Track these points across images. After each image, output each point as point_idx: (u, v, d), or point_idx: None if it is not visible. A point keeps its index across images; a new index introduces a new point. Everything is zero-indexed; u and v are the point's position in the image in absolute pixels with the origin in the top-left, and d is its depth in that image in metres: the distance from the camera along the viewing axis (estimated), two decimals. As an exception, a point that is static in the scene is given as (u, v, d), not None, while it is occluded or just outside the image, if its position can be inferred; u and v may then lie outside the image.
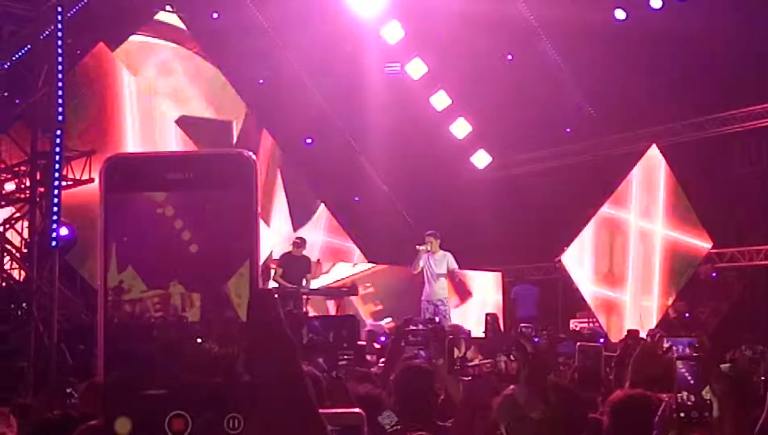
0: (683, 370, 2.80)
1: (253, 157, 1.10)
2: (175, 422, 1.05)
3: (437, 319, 13.53)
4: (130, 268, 1.07)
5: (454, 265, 14.51)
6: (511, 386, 3.81)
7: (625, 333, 7.10)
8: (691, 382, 2.76)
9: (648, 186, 17.41)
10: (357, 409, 1.80)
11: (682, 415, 2.72)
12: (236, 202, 1.08)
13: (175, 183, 1.08)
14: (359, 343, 11.93)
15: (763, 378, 5.74)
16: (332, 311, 14.64)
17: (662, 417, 2.85)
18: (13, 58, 12.20)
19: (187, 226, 1.07)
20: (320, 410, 1.12)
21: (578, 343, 5.18)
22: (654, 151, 17.35)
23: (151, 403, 1.05)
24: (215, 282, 1.07)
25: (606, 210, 16.83)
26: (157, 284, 1.07)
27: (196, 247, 1.07)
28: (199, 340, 1.07)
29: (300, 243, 14.34)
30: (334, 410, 1.87)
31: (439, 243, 14.45)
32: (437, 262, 14.35)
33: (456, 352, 8.35)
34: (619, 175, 17.19)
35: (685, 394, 2.79)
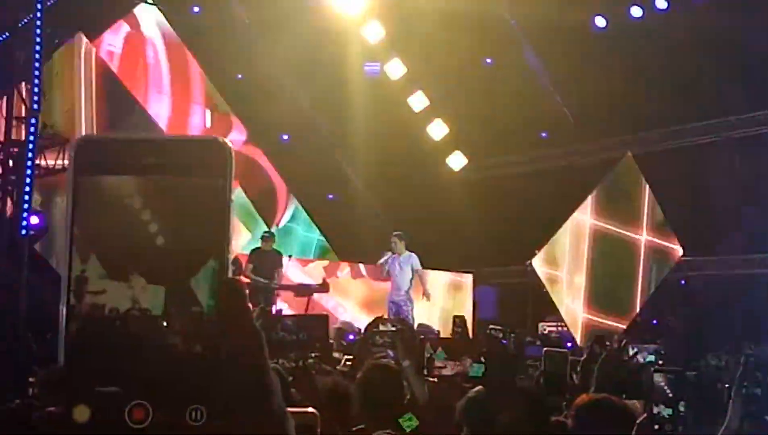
0: (662, 383, 2.77)
1: (230, 144, 1.07)
2: (135, 412, 1.03)
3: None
4: (94, 257, 1.05)
5: (418, 266, 14.64)
6: (477, 387, 3.82)
7: (592, 338, 7.13)
8: (670, 395, 2.73)
9: (622, 193, 17.50)
10: (311, 409, 1.80)
11: (656, 427, 2.71)
12: (209, 191, 1.06)
13: (147, 168, 1.05)
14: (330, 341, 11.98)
15: (727, 386, 5.79)
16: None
17: (639, 428, 2.85)
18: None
19: (156, 217, 1.05)
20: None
21: (544, 348, 5.19)
22: (629, 159, 17.44)
23: (112, 393, 1.03)
24: (180, 275, 1.05)
25: (579, 216, 16.89)
26: (119, 276, 1.05)
27: (162, 239, 1.05)
28: (162, 334, 1.05)
29: (268, 237, 14.32)
30: (288, 409, 1.86)
31: (404, 244, 14.56)
32: (402, 263, 14.44)
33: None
34: (593, 181, 17.26)
35: (662, 407, 2.76)
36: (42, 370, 5.37)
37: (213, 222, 1.06)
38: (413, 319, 14.39)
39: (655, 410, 2.74)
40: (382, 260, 14.55)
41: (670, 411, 2.74)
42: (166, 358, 1.05)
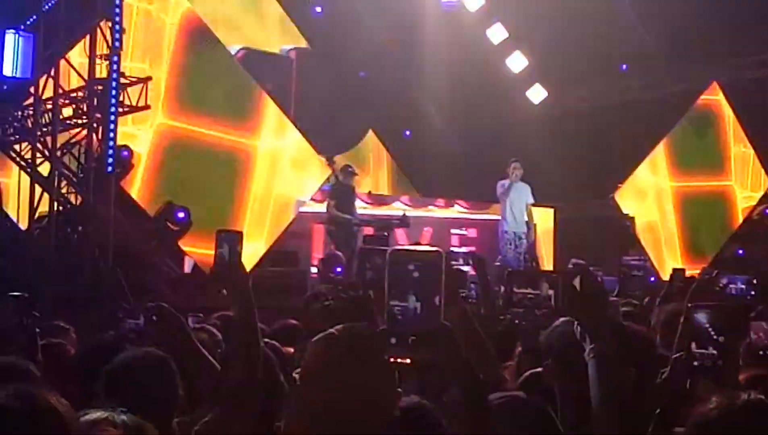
0: (704, 322, 2.61)
1: None
2: None
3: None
4: None
5: (531, 199, 13.99)
6: (562, 319, 3.76)
7: (671, 272, 6.94)
8: (712, 333, 2.59)
9: (706, 124, 17.09)
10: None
11: (695, 364, 2.60)
12: None
13: None
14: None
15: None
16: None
17: (675, 363, 2.75)
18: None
19: None
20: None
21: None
22: (714, 89, 16.98)
23: None
24: None
25: (663, 147, 16.54)
26: None
27: None
28: None
29: (349, 170, 13.90)
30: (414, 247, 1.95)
31: (521, 173, 13.83)
32: (519, 192, 13.85)
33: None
34: (677, 112, 16.87)
35: (704, 347, 2.61)
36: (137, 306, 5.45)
37: None
38: (527, 254, 13.91)
39: (694, 352, 2.60)
40: (500, 189, 13.85)
41: (711, 350, 2.59)
42: None
